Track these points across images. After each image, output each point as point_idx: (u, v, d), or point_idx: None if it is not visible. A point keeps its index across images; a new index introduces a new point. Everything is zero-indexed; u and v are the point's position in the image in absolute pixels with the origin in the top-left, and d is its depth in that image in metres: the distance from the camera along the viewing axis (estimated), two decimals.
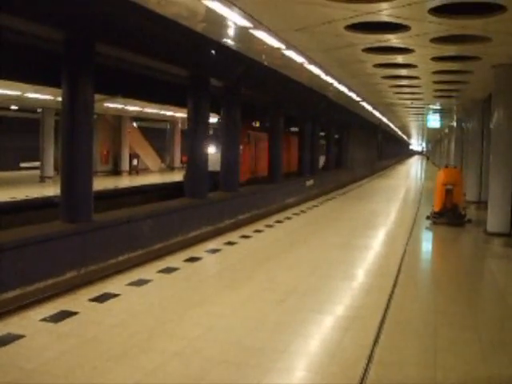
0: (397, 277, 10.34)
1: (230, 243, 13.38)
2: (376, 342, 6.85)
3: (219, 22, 10.17)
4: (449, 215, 17.24)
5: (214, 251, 12.40)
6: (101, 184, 24.88)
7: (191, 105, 15.65)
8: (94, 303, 8.35)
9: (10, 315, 7.68)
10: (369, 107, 30.28)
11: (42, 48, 12.19)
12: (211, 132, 22.73)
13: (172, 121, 44.09)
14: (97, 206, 11.07)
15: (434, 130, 50.56)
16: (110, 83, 15.76)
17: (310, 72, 16.48)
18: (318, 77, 17.53)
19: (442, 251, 14.80)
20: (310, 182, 27.58)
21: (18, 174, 36.97)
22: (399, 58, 14.06)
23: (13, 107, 33.04)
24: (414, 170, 71.28)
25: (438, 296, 9.36)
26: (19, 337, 6.79)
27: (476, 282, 11.02)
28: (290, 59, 14.12)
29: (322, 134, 33.25)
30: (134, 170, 40.51)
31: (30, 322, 7.45)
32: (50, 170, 31.91)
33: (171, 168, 44.69)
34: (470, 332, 7.48)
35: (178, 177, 30.97)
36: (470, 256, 13.75)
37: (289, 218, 18.47)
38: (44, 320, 7.49)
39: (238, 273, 10.56)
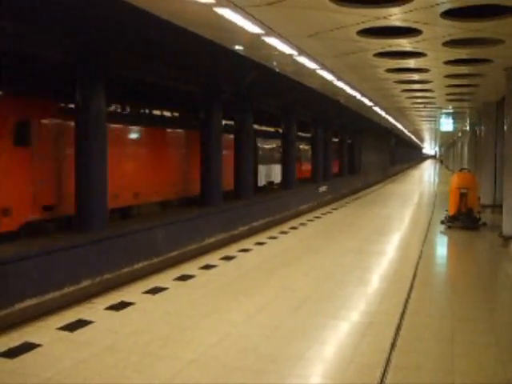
0: (412, 282, 10.29)
1: (244, 250, 13.37)
2: (393, 347, 6.81)
3: (231, 29, 10.18)
4: (463, 219, 17.14)
5: (229, 258, 12.39)
6: None
7: (203, 112, 15.73)
8: (110, 312, 8.37)
9: (27, 324, 7.73)
10: (381, 112, 30.20)
11: (53, 59, 12.24)
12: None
13: None
14: None
15: (447, 133, 50.34)
16: (122, 92, 15.82)
17: (322, 78, 16.46)
18: (329, 82, 17.51)
19: (458, 255, 14.72)
20: (323, 188, 27.55)
21: None
22: (411, 63, 14.02)
23: None
24: (427, 174, 71.04)
25: (455, 301, 9.30)
26: (36, 346, 6.81)
27: (492, 286, 10.95)
28: (301, 65, 14.11)
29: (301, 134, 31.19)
30: None
31: (46, 331, 7.47)
32: None
33: None
34: (487, 336, 7.43)
35: None
36: (486, 260, 13.66)
37: (303, 224, 18.44)
38: (60, 329, 7.52)
39: (253, 280, 10.55)
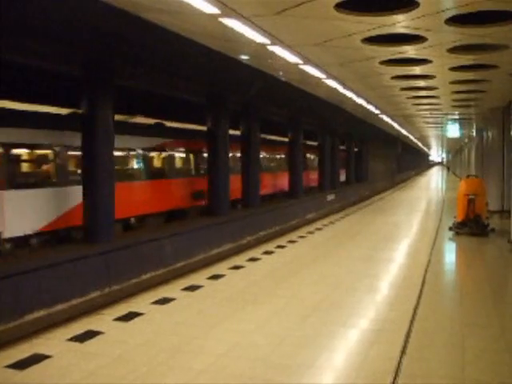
0: (421, 289, 10.25)
1: (252, 259, 13.35)
2: (403, 354, 6.78)
3: (236, 39, 10.22)
4: (472, 225, 17.08)
5: (237, 268, 12.37)
6: None
7: (209, 123, 15.78)
8: (119, 322, 8.36)
9: (37, 336, 7.74)
10: (387, 119, 30.20)
11: (61, 71, 12.33)
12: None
13: None
14: None
15: (454, 139, 50.30)
16: (129, 103, 15.90)
17: (328, 86, 16.49)
18: (336, 90, 17.54)
19: (467, 262, 14.65)
20: (331, 197, 27.54)
21: None
22: (417, 70, 14.03)
23: None
24: (434, 181, 70.82)
25: (465, 307, 9.26)
26: (46, 357, 6.81)
27: (502, 292, 10.90)
28: (307, 74, 14.14)
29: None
30: None
31: (56, 343, 7.48)
32: None
33: None
34: (498, 343, 7.38)
35: None
36: (495, 266, 13.58)
37: (311, 233, 18.41)
38: (70, 340, 7.52)
39: (262, 289, 10.53)
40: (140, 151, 17.28)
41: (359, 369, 6.43)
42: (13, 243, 11.58)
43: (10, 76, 10.61)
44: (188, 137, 19.95)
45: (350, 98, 19.81)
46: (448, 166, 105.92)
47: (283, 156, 27.86)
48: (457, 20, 9.08)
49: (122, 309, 9.11)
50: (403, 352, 6.86)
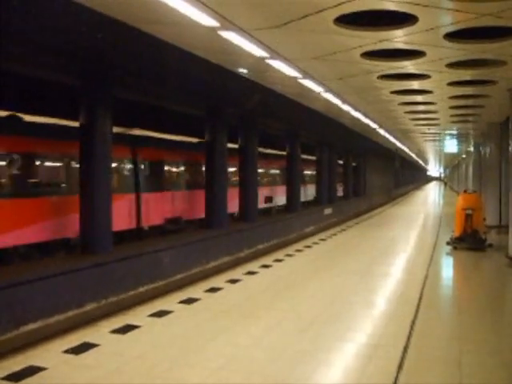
0: (419, 303, 10.23)
1: (250, 273, 13.32)
2: (400, 369, 6.75)
3: (235, 52, 10.25)
4: (469, 240, 17.07)
5: (235, 281, 12.33)
6: None
7: (207, 135, 15.79)
8: (115, 335, 8.32)
9: (32, 348, 7.69)
10: (385, 134, 30.26)
11: (59, 82, 12.32)
12: None
13: None
14: None
15: (452, 154, 50.43)
16: (127, 115, 15.90)
17: (327, 100, 16.54)
18: (334, 105, 17.58)
19: (464, 277, 14.63)
20: (328, 211, 27.53)
21: None
22: (415, 84, 14.08)
23: None
24: (432, 196, 70.87)
25: (462, 322, 9.23)
26: (41, 369, 6.77)
27: (499, 307, 10.88)
28: (306, 88, 14.18)
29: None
30: None
31: (51, 355, 7.43)
32: None
33: None
34: (495, 358, 7.36)
35: None
36: (493, 281, 13.57)
37: (308, 247, 18.37)
38: (65, 352, 7.47)
39: (260, 302, 10.50)
40: None
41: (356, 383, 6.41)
42: None
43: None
44: None
45: (348, 112, 19.86)
46: (445, 182, 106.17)
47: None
48: (455, 35, 9.12)
49: (119, 321, 9.06)
50: (400, 367, 6.83)
